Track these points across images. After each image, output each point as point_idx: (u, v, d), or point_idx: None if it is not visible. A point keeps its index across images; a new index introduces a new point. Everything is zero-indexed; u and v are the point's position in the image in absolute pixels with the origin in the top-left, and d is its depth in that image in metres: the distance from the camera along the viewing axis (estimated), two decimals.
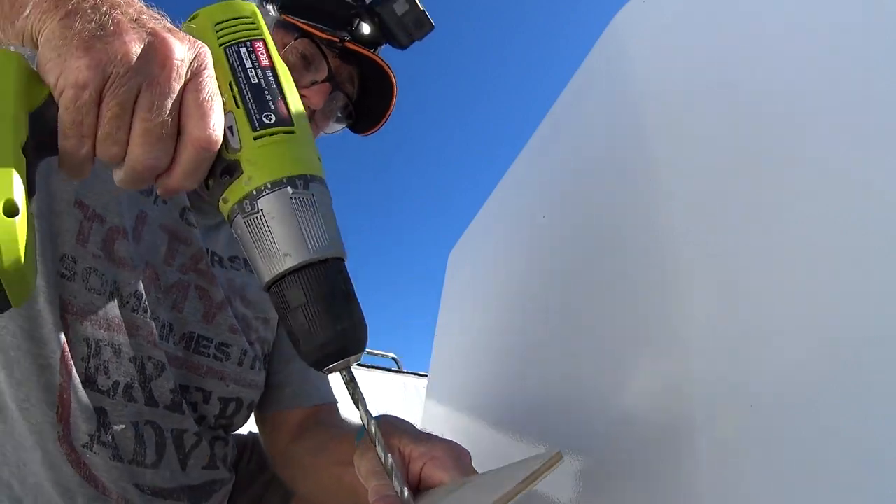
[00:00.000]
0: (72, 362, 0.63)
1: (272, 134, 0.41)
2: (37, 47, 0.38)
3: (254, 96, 0.41)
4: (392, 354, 3.33)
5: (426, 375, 1.42)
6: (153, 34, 0.37)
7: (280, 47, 0.78)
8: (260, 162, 0.40)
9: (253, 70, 0.42)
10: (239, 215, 0.40)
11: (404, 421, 0.56)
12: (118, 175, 0.40)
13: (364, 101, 0.87)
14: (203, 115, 0.38)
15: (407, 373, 3.11)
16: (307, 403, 0.85)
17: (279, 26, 0.80)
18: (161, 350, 0.69)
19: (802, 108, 0.43)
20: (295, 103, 0.43)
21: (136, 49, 0.36)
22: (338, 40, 0.79)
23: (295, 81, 0.85)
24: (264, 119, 0.41)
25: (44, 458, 0.63)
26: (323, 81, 0.79)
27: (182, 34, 0.40)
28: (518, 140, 1.19)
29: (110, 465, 0.65)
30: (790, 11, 0.48)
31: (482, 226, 1.24)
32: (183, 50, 0.38)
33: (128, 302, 0.67)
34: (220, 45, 0.43)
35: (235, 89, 0.41)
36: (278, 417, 0.85)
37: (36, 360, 0.62)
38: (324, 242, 0.40)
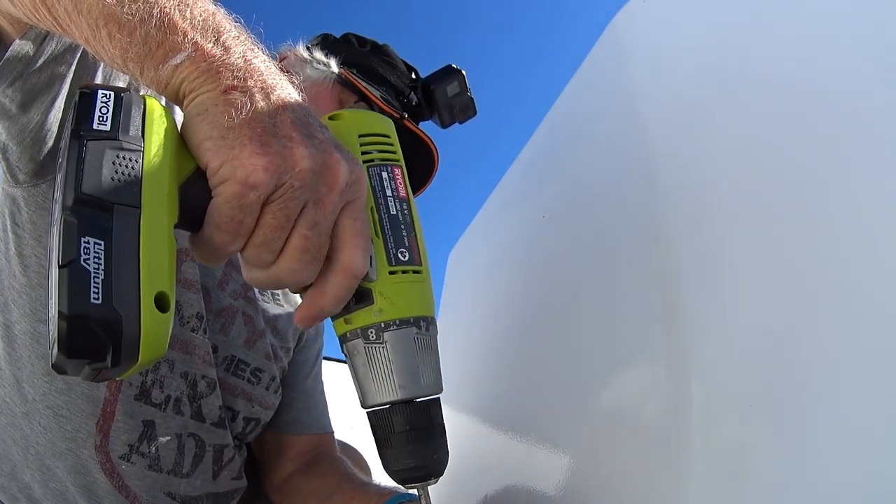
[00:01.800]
0: (126, 379, 0.64)
1: (404, 272, 0.43)
2: (178, 103, 0.36)
3: (392, 229, 0.43)
4: None
5: None
6: (325, 151, 0.36)
7: (336, 102, 0.81)
8: (393, 298, 0.42)
9: (392, 200, 0.44)
10: (360, 339, 0.43)
11: None
12: (254, 274, 0.38)
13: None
14: (356, 245, 0.38)
15: None
16: (306, 431, 0.89)
17: (338, 82, 0.82)
18: (214, 369, 0.71)
19: (803, 107, 0.43)
20: (421, 238, 0.45)
21: (311, 164, 0.35)
22: (397, 116, 0.81)
23: None
24: (399, 255, 0.43)
25: (74, 464, 0.64)
26: None
27: (344, 151, 0.38)
28: (519, 139, 1.19)
29: (146, 474, 0.67)
30: (790, 11, 0.48)
31: (483, 225, 1.24)
32: (347, 174, 0.37)
33: (188, 322, 0.69)
34: (363, 163, 0.44)
35: (375, 217, 0.43)
36: (280, 441, 0.88)
37: (67, 395, 0.63)
38: (431, 381, 0.44)
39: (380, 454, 0.45)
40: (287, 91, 0.37)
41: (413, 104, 0.86)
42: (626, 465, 0.50)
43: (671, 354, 0.49)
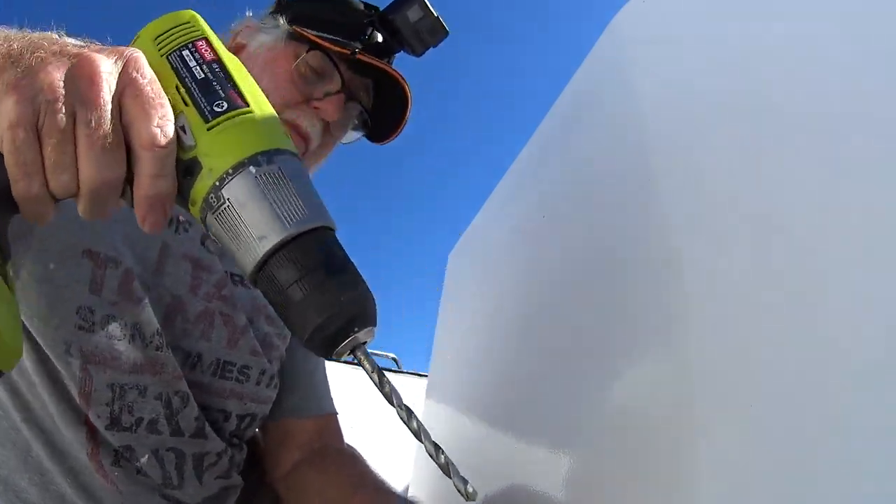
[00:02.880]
0: (93, 410, 0.64)
1: (226, 119, 0.39)
2: None
3: (202, 91, 0.40)
4: (392, 354, 3.32)
5: (426, 375, 1.43)
6: (76, 56, 0.37)
7: (292, 59, 0.78)
8: (216, 151, 0.38)
9: (198, 67, 0.41)
10: (208, 213, 0.38)
11: None
12: (81, 206, 0.38)
13: (380, 109, 0.86)
14: (145, 116, 0.37)
15: (407, 373, 3.10)
16: (308, 414, 0.87)
17: (290, 38, 0.79)
18: (184, 381, 0.70)
19: (804, 109, 0.43)
20: (248, 87, 0.42)
21: (61, 74, 0.35)
22: (349, 52, 0.77)
23: (309, 93, 0.85)
24: (215, 108, 0.39)
25: (73, 467, 0.64)
26: (337, 92, 0.78)
27: (109, 49, 0.38)
28: (518, 140, 1.19)
29: (137, 479, 0.67)
30: (791, 10, 0.48)
31: (482, 226, 1.24)
32: (109, 62, 0.37)
33: (151, 341, 0.67)
34: (162, 56, 0.42)
35: (182, 89, 0.40)
36: (284, 427, 0.87)
37: (59, 405, 0.64)
38: (303, 214, 0.37)
39: (286, 325, 0.38)
40: (33, 42, 0.38)
41: (377, 40, 0.81)
42: (627, 465, 0.50)
43: (671, 354, 0.49)
